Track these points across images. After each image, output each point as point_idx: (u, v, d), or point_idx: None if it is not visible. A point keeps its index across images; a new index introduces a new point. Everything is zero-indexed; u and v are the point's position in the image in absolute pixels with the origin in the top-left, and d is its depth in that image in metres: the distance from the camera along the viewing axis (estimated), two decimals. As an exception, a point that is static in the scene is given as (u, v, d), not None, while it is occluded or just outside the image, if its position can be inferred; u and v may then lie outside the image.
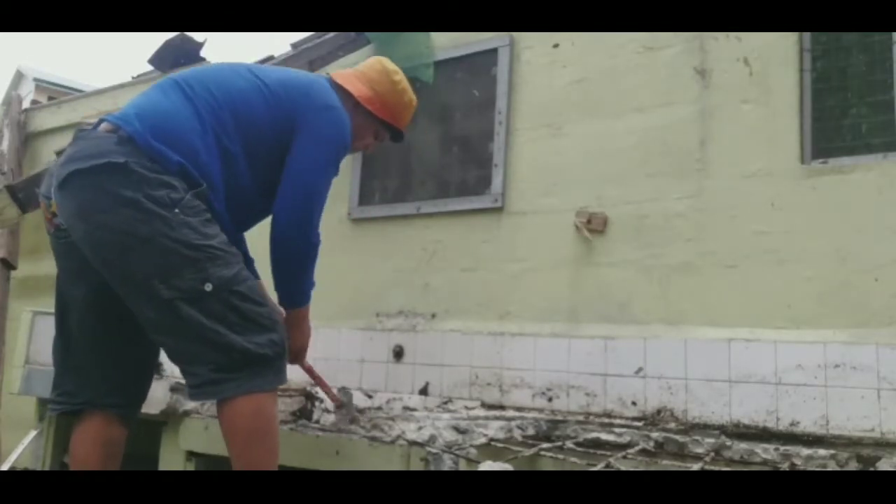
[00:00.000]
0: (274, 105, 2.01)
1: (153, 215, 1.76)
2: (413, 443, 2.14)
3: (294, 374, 3.53)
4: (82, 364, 2.00)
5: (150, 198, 1.77)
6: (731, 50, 2.76)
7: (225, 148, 1.94)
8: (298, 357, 2.25)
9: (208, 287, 1.76)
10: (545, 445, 2.28)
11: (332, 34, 3.43)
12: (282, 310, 2.11)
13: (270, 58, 3.49)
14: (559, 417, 2.71)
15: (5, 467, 3.37)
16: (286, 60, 3.40)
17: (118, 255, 1.78)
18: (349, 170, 3.63)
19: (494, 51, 3.29)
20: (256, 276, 2.17)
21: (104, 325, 1.98)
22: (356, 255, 3.54)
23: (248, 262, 2.22)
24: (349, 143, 2.19)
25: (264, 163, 2.01)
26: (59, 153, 2.99)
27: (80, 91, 7.59)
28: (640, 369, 2.72)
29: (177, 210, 1.80)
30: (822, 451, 2.22)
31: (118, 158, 1.77)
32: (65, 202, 1.84)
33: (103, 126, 1.89)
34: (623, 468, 2.02)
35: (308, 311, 2.16)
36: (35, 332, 3.42)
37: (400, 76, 2.32)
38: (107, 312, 1.96)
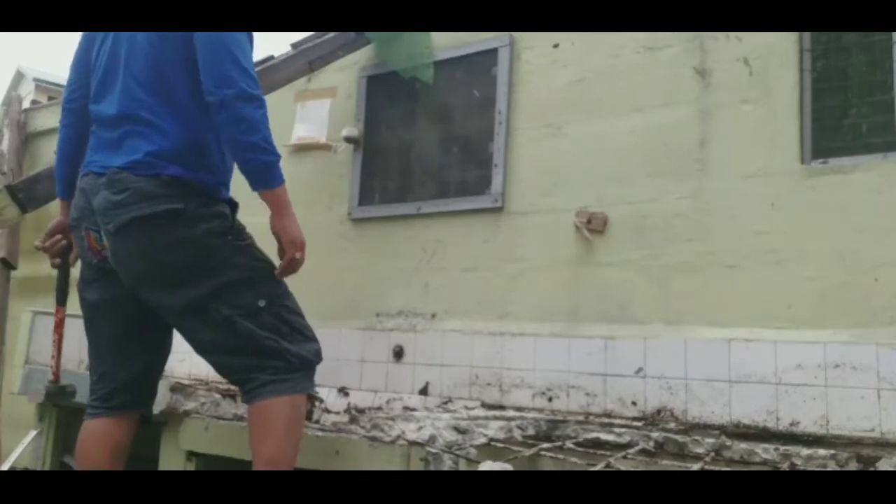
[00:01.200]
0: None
1: (212, 248, 1.92)
2: (413, 443, 2.14)
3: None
4: (110, 370, 2.12)
5: (208, 232, 1.92)
6: (731, 50, 2.76)
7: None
8: (303, 250, 2.07)
9: (262, 303, 1.93)
10: (545, 445, 2.28)
11: (332, 34, 3.43)
12: None
13: (270, 58, 3.49)
14: (559, 417, 2.71)
15: (5, 467, 3.38)
16: (286, 60, 3.39)
17: (178, 287, 1.90)
18: (349, 170, 3.63)
19: (494, 51, 3.29)
20: None
21: (132, 334, 2.12)
22: (356, 255, 3.54)
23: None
24: None
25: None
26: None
27: (80, 91, 7.56)
28: (640, 369, 2.72)
29: (230, 237, 1.97)
30: (822, 451, 2.22)
31: (177, 204, 1.87)
32: (123, 246, 1.92)
33: (124, 171, 1.92)
34: (623, 468, 2.02)
35: (287, 194, 2.07)
36: (35, 332, 3.43)
37: None
38: (144, 316, 2.07)
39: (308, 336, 2.05)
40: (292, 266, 2.02)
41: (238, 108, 1.86)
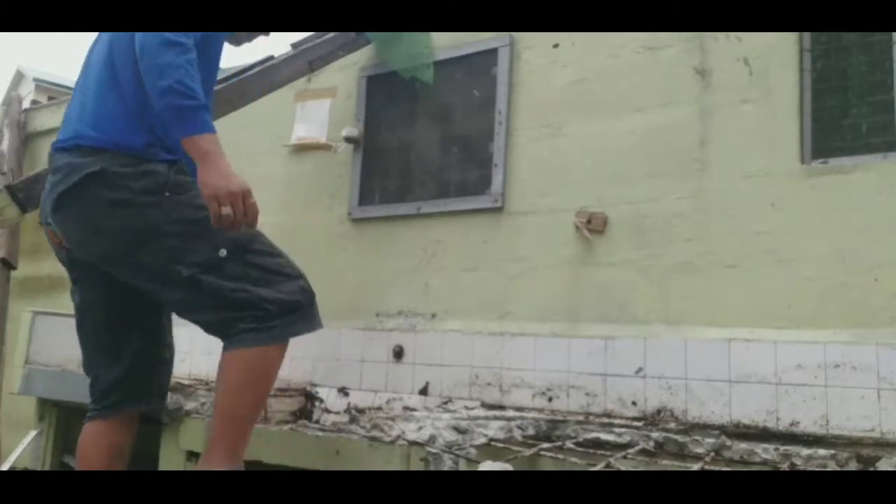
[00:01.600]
0: None
1: (147, 206, 1.83)
2: (413, 443, 2.14)
3: (294, 375, 3.54)
4: (101, 371, 2.10)
5: (138, 191, 1.84)
6: (731, 50, 2.76)
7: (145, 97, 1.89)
8: (235, 201, 1.75)
9: (222, 252, 1.81)
10: (545, 445, 2.28)
11: (332, 34, 3.43)
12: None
13: (270, 58, 3.48)
14: (559, 417, 2.71)
15: (5, 467, 3.38)
16: (286, 60, 3.39)
17: (131, 254, 1.87)
18: (349, 170, 3.63)
19: (494, 51, 3.29)
20: None
21: (117, 332, 2.07)
22: (356, 255, 3.54)
23: None
24: None
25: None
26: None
27: (80, 91, 7.56)
28: (640, 369, 2.72)
29: (167, 193, 1.86)
30: (822, 451, 2.22)
31: (94, 167, 1.83)
32: (64, 225, 1.91)
33: (60, 152, 1.95)
34: (623, 468, 2.02)
35: (214, 144, 1.77)
36: (35, 332, 3.43)
37: None
38: (123, 313, 2.05)
39: (287, 274, 1.90)
40: (222, 222, 1.74)
41: (157, 53, 1.75)
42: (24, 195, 2.86)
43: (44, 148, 5.10)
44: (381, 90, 3.63)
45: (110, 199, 1.82)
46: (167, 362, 2.22)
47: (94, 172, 1.83)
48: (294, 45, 3.51)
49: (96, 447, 2.04)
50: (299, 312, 1.91)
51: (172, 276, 1.83)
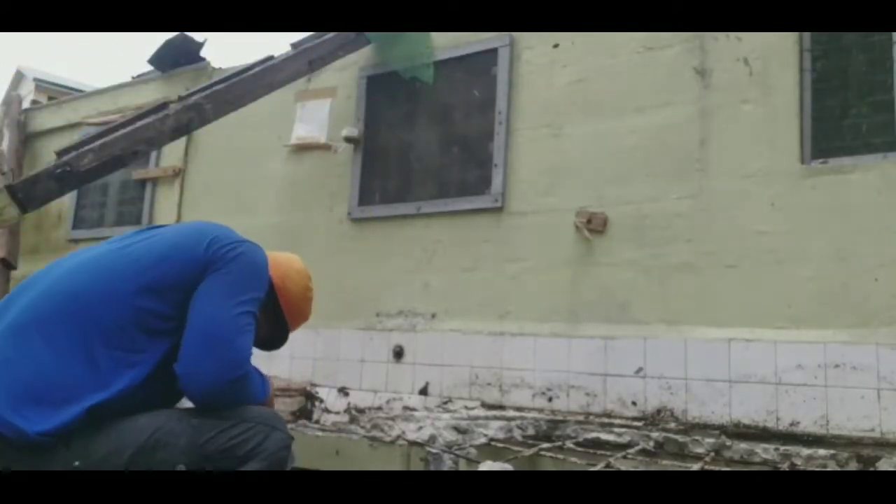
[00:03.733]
0: None
1: None
2: (413, 443, 2.15)
3: (294, 375, 3.54)
4: None
5: None
6: (731, 50, 2.76)
7: None
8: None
9: (181, 468, 1.55)
10: (545, 445, 2.28)
11: (332, 34, 3.43)
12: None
13: (270, 58, 3.49)
14: (559, 417, 2.71)
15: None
16: (286, 60, 3.39)
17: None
18: (349, 170, 3.63)
19: (494, 51, 3.29)
20: None
21: None
22: (356, 255, 3.54)
23: None
24: None
25: None
26: (58, 153, 2.99)
27: (80, 91, 7.59)
28: (640, 369, 2.72)
29: None
30: (822, 451, 2.22)
31: None
32: None
33: None
34: (623, 468, 2.02)
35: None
36: (35, 332, 3.41)
37: (311, 284, 2.04)
38: None
39: (261, 446, 1.62)
40: None
41: (235, 390, 1.62)
42: (23, 195, 2.86)
43: (44, 148, 5.12)
44: (381, 90, 3.63)
45: None
46: None
47: None
48: (294, 45, 3.51)
49: None
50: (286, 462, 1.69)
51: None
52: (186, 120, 3.14)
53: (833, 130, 2.59)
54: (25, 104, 5.84)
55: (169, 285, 1.64)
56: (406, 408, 3.00)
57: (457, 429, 2.24)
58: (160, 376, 1.59)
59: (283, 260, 1.96)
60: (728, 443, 2.34)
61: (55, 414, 1.47)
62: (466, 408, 2.90)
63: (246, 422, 1.62)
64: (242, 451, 1.60)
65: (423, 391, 3.16)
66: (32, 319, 1.57)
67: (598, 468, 1.94)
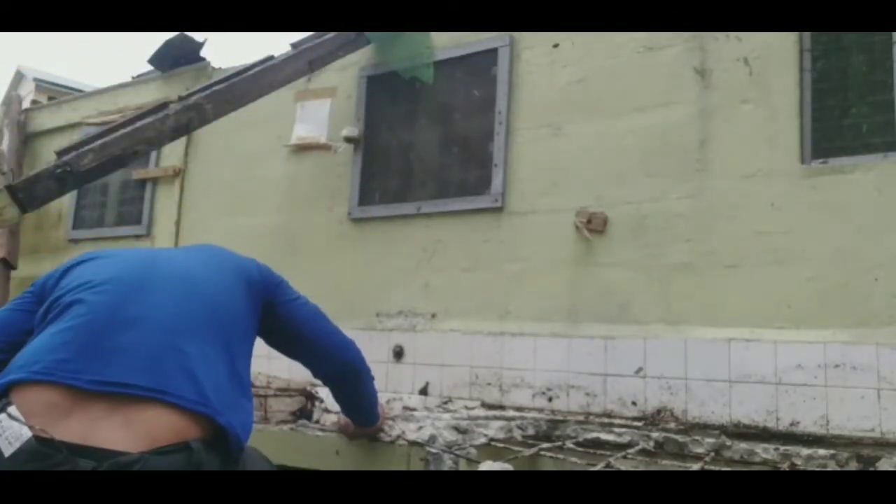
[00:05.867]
0: None
1: None
2: (413, 443, 2.14)
3: (294, 375, 3.54)
4: None
5: None
6: (731, 50, 2.76)
7: None
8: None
9: None
10: (545, 445, 2.28)
11: (332, 34, 3.43)
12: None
13: (270, 58, 3.48)
14: (559, 417, 2.71)
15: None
16: (286, 60, 3.39)
17: None
18: (349, 170, 3.63)
19: (494, 51, 3.29)
20: None
21: None
22: (356, 255, 3.54)
23: None
24: None
25: None
26: (58, 153, 2.98)
27: (80, 91, 7.59)
28: (640, 369, 2.72)
29: None
30: (822, 451, 2.22)
31: None
32: None
33: None
34: (623, 468, 2.02)
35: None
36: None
37: None
38: None
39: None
40: None
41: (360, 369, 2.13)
42: (24, 195, 2.86)
43: (44, 148, 5.12)
44: (381, 90, 3.63)
45: None
46: None
47: None
48: (294, 45, 3.51)
49: None
50: None
51: None
52: (186, 120, 3.14)
53: (833, 130, 2.59)
54: (25, 104, 5.84)
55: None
56: (406, 408, 2.99)
57: (457, 429, 2.23)
58: None
59: None
60: (728, 443, 2.34)
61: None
62: (466, 408, 2.90)
63: None
64: None
65: (423, 391, 3.16)
66: (191, 325, 1.52)
67: (598, 468, 1.94)
